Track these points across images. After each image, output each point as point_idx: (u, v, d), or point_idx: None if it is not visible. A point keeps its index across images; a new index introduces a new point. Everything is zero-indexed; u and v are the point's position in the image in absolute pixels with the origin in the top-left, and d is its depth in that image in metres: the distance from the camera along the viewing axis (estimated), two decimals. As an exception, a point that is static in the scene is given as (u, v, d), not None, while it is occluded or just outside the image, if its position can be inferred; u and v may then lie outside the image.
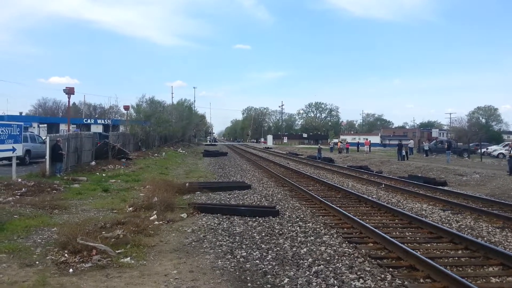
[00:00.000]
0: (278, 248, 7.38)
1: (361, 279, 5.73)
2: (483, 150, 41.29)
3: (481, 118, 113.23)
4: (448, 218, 10.53)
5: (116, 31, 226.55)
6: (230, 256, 6.94)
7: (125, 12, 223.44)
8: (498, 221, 10.23)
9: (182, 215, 10.22)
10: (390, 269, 6.26)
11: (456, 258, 7.02)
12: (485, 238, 8.42)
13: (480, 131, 73.27)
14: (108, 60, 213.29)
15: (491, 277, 6.02)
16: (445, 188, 17.00)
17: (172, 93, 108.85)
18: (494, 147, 47.46)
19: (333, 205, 11.38)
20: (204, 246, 7.58)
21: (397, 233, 8.79)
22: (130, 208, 10.75)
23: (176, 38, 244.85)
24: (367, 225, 8.80)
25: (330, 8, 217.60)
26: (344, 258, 6.75)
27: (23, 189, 12.82)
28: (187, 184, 15.09)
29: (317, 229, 8.91)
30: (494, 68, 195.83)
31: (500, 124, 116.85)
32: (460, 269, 6.43)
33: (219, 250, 7.28)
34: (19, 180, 14.43)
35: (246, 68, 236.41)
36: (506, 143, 45.33)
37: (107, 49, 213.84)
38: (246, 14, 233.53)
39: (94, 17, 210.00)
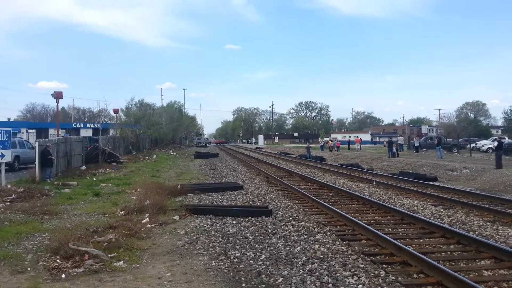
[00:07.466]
0: (271, 248, 7.38)
1: (355, 276, 5.75)
2: (472, 145, 41.66)
3: (469, 114, 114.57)
4: (440, 213, 10.61)
5: (105, 34, 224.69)
6: (223, 257, 6.92)
7: (114, 14, 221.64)
8: (489, 214, 10.32)
9: (175, 217, 10.17)
10: (384, 265, 6.29)
11: (449, 252, 7.08)
12: (477, 232, 8.48)
13: (469, 126, 73.93)
14: (97, 63, 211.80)
15: (483, 270, 6.06)
16: (436, 183, 17.13)
17: (161, 95, 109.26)
18: (483, 141, 47.88)
19: (325, 203, 11.40)
20: (198, 247, 7.55)
21: (390, 229, 8.84)
22: (122, 212, 10.68)
23: (165, 39, 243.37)
24: (359, 222, 8.83)
25: (319, 7, 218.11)
26: (338, 256, 6.77)
27: (13, 196, 12.69)
28: (178, 186, 15.05)
29: (310, 227, 8.93)
30: (482, 63, 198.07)
31: (488, 119, 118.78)
32: (453, 263, 6.48)
33: (213, 251, 7.26)
34: (9, 186, 14.28)
35: (236, 68, 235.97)
36: (495, 137, 45.80)
37: (95, 52, 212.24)
38: (235, 14, 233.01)
39: (83, 19, 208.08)
